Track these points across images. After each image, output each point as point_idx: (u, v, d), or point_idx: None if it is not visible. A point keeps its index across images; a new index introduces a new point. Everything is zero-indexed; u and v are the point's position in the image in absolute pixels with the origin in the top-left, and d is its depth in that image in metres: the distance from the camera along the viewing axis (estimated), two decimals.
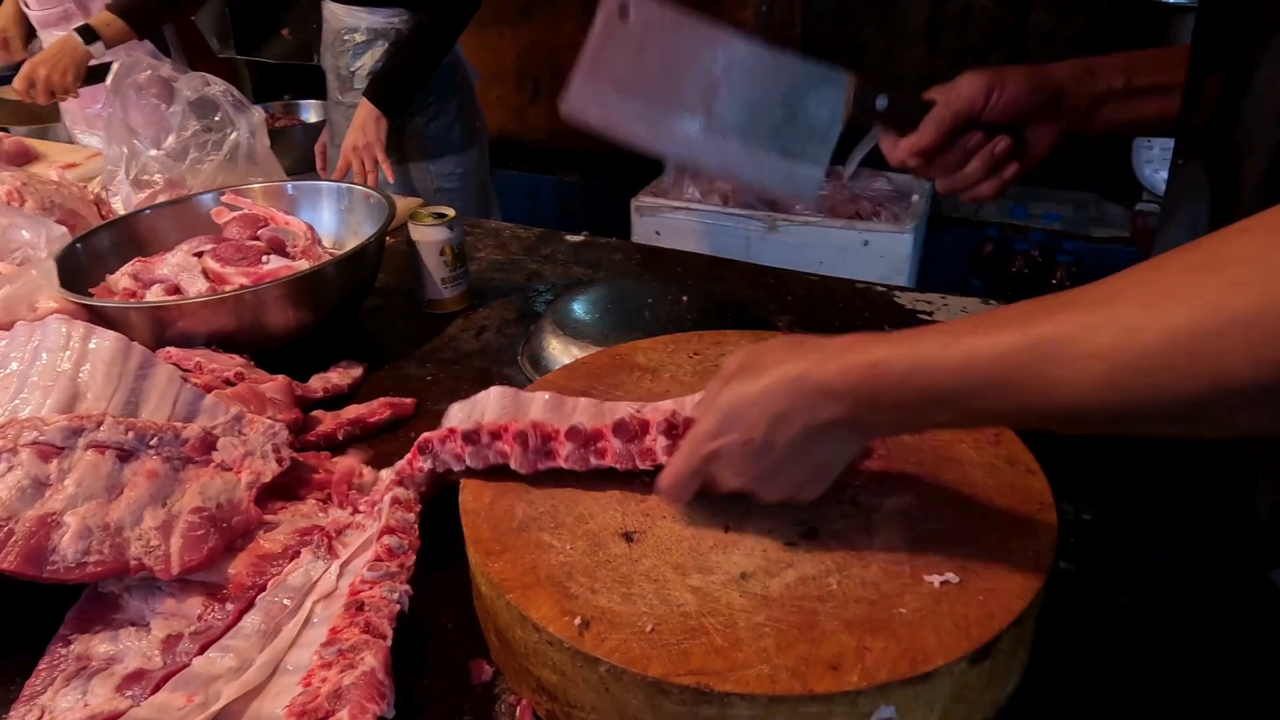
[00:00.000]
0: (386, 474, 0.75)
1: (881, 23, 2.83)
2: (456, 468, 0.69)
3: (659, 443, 0.65)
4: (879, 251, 2.01)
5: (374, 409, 0.93)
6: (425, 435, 0.70)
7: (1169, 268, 0.44)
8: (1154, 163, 2.37)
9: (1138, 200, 2.43)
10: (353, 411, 0.93)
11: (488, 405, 0.71)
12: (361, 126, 1.69)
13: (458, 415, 0.71)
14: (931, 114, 0.78)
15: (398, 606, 0.58)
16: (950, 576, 0.57)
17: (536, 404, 0.71)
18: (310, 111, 2.56)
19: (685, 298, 1.03)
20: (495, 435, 0.68)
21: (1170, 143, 0.74)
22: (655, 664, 0.51)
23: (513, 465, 0.67)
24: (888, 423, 0.54)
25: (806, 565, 0.59)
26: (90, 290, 1.02)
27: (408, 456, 0.72)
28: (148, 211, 1.15)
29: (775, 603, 0.55)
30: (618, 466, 0.66)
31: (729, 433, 0.56)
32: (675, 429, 0.65)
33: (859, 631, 0.53)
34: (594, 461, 0.67)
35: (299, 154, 2.19)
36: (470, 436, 0.68)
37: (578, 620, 0.54)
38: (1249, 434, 0.46)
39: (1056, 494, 0.65)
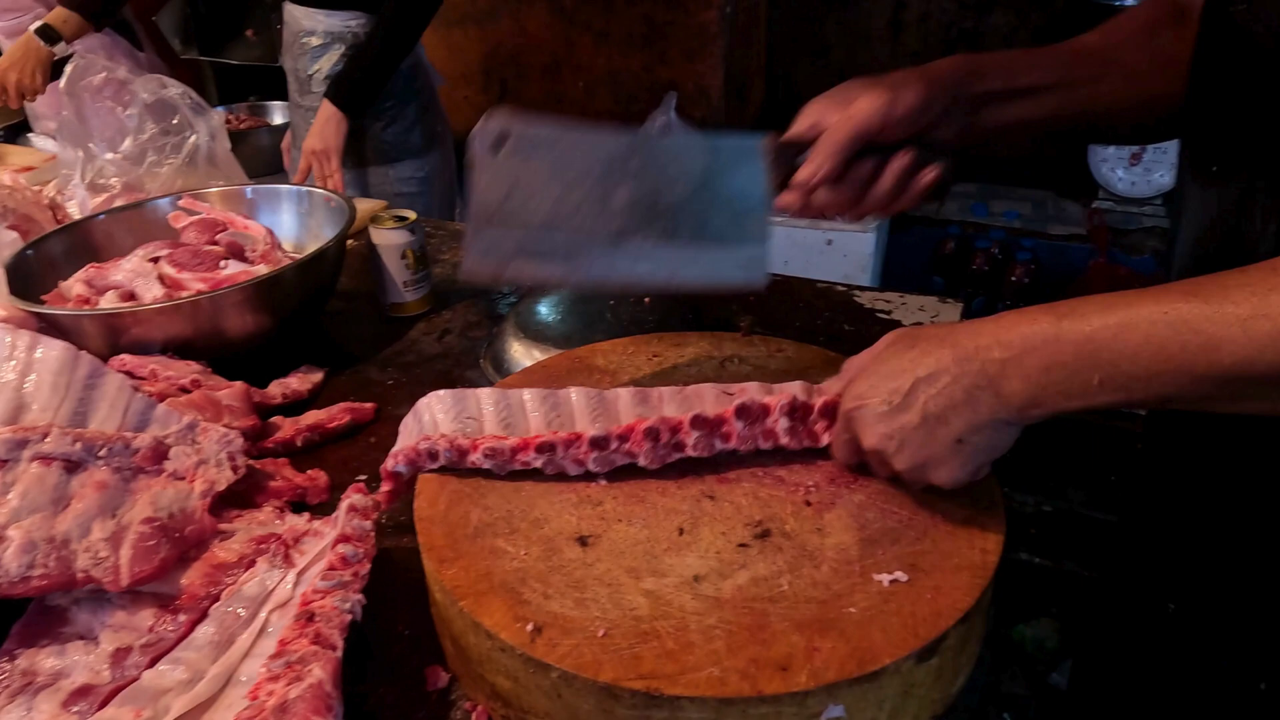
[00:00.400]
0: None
1: (844, 23, 2.85)
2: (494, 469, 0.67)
3: (780, 424, 0.66)
4: (842, 251, 2.02)
5: (334, 414, 0.92)
6: (547, 440, 0.66)
7: None
8: (1109, 161, 2.40)
9: (1094, 198, 2.46)
10: (312, 417, 0.91)
11: (481, 411, 0.70)
12: (321, 131, 1.67)
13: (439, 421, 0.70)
14: (826, 138, 0.68)
15: (349, 616, 0.58)
16: (899, 575, 0.57)
17: (599, 400, 0.70)
18: (276, 113, 2.52)
19: (647, 299, 1.03)
20: (623, 438, 0.66)
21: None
22: (606, 669, 0.51)
23: (642, 462, 0.66)
24: (1035, 389, 0.51)
25: (759, 566, 0.59)
26: (42, 298, 1.00)
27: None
28: (102, 216, 1.12)
29: (727, 604, 0.55)
30: (740, 449, 0.67)
31: (874, 392, 0.57)
32: (796, 411, 0.66)
33: (808, 632, 0.53)
34: (719, 446, 0.66)
35: (266, 156, 2.16)
36: (599, 442, 0.65)
37: (530, 626, 0.54)
38: None
39: (1024, 487, 0.65)
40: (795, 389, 0.67)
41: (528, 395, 0.70)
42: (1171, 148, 2.33)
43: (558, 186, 0.66)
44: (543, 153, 0.66)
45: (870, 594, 0.56)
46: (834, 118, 0.68)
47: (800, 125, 0.71)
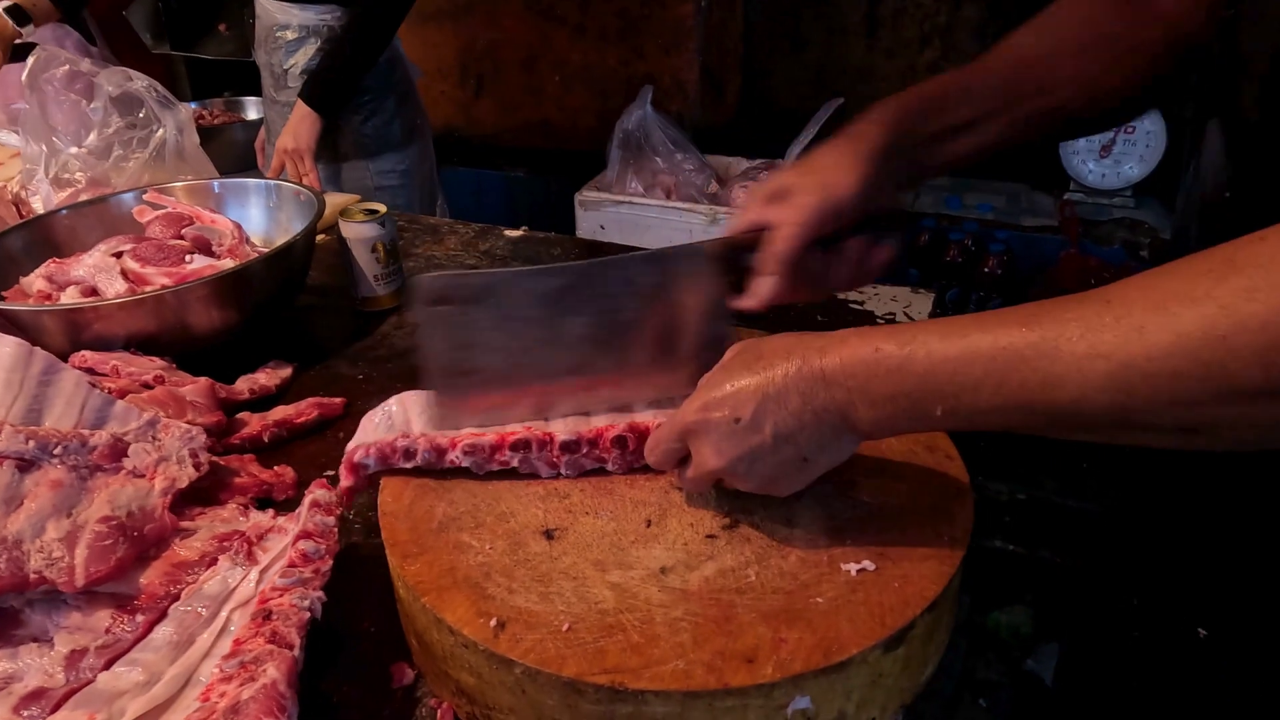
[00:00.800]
0: None
1: (821, 17, 2.84)
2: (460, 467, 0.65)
3: None
4: None
5: (301, 410, 0.90)
6: (522, 437, 0.64)
7: (1179, 273, 0.42)
8: (1080, 154, 2.41)
9: (1065, 190, 2.47)
10: (279, 413, 0.89)
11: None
12: (294, 130, 1.64)
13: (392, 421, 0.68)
14: (768, 254, 0.65)
15: (308, 615, 0.56)
16: (867, 564, 0.56)
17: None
18: (251, 108, 2.47)
19: None
20: (593, 443, 0.64)
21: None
22: (570, 664, 0.49)
23: (610, 468, 0.65)
24: (881, 415, 0.51)
25: (726, 557, 0.57)
26: (2, 294, 0.97)
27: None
28: (65, 212, 1.09)
29: (694, 596, 0.54)
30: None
31: (720, 408, 0.55)
32: None
33: (775, 623, 0.52)
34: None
35: (240, 151, 2.11)
36: (569, 446, 0.64)
37: (493, 622, 0.52)
38: (1253, 447, 0.43)
39: (997, 475, 0.64)
40: None
41: None
42: (1141, 141, 2.34)
43: (506, 333, 0.64)
44: (486, 301, 0.63)
45: (838, 584, 0.55)
46: (773, 216, 0.66)
47: (740, 224, 0.69)
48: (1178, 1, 0.68)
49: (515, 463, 0.65)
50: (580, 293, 0.65)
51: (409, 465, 0.66)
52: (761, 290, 0.67)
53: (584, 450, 0.64)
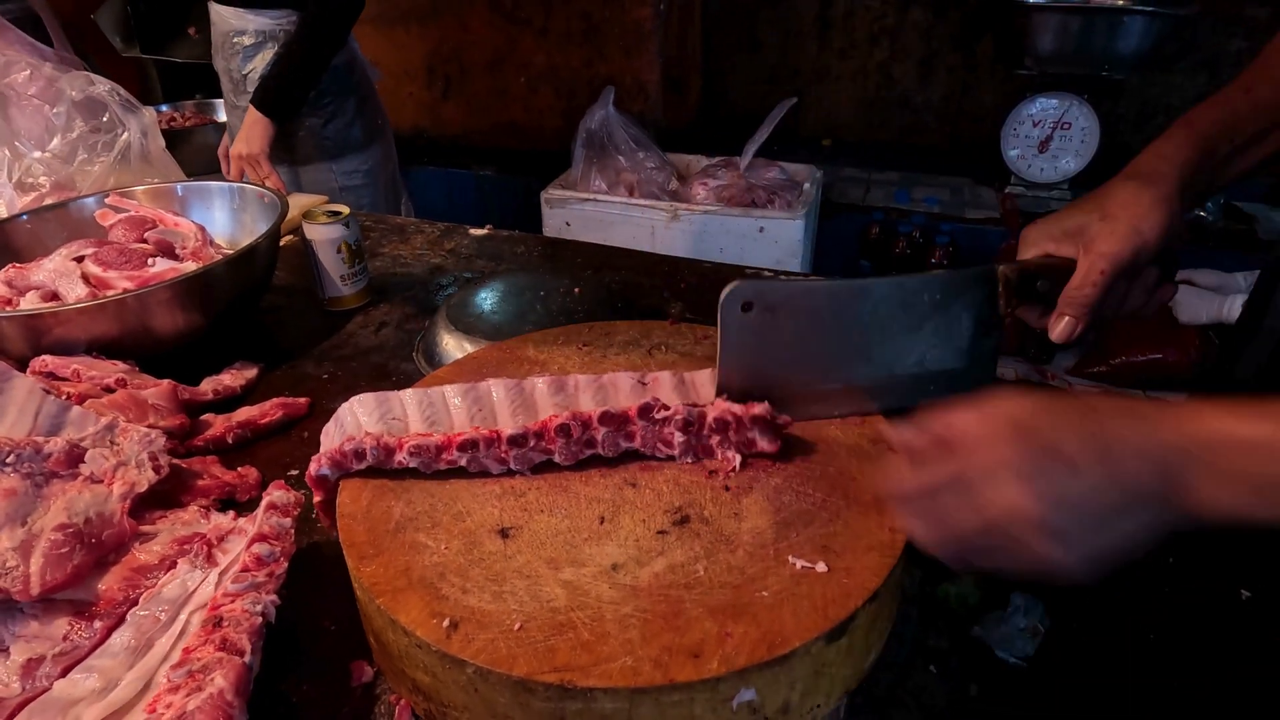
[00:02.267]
0: None
1: (775, 20, 2.82)
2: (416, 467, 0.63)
3: (676, 438, 0.63)
4: (774, 237, 2.00)
5: (266, 410, 0.87)
6: (469, 437, 0.62)
7: None
8: (1020, 150, 2.43)
9: (1006, 184, 2.49)
10: (244, 414, 0.86)
11: (405, 410, 0.66)
12: (247, 135, 1.59)
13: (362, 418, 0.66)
14: (1074, 295, 0.66)
15: (260, 619, 0.54)
16: (812, 558, 0.55)
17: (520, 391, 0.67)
18: (221, 111, 2.40)
19: (577, 289, 0.99)
20: (539, 435, 0.63)
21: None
22: (521, 663, 0.48)
23: (558, 459, 0.63)
24: (1213, 498, 0.44)
25: (676, 553, 0.56)
26: None
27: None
28: (25, 217, 1.05)
29: (644, 592, 0.53)
30: (643, 450, 0.64)
31: (1035, 464, 0.46)
32: (692, 425, 0.63)
33: (721, 617, 0.51)
34: (623, 445, 0.64)
35: (211, 153, 2.05)
36: (517, 440, 0.62)
37: (446, 622, 0.51)
38: None
39: None
40: (704, 378, 0.65)
41: (450, 391, 0.67)
42: (1077, 136, 2.36)
43: (799, 337, 0.67)
44: (783, 310, 0.66)
45: (783, 577, 0.54)
46: (1066, 250, 0.67)
47: (1029, 253, 0.69)
48: None
49: (463, 462, 0.63)
50: (862, 305, 0.67)
51: (362, 466, 0.64)
52: (1062, 330, 0.67)
53: (531, 444, 0.63)
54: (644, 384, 0.66)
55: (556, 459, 0.63)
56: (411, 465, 0.63)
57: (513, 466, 0.63)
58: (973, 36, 2.65)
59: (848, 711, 0.60)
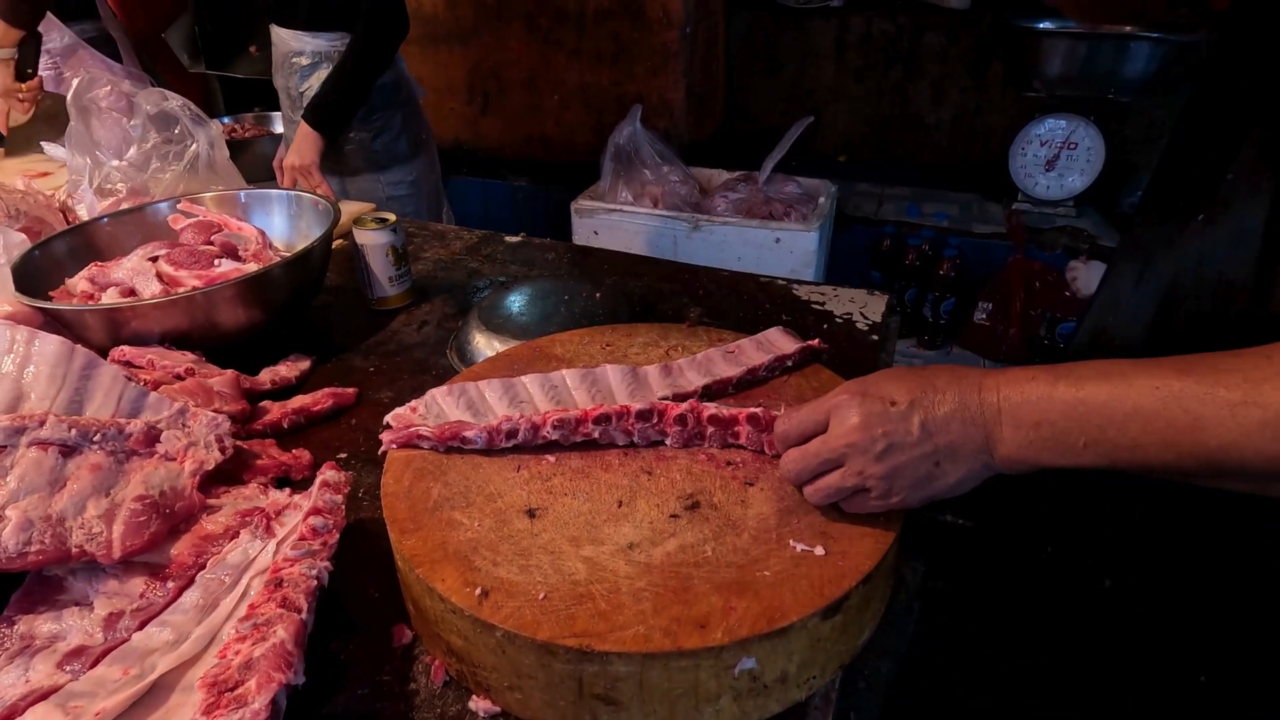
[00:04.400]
0: None
1: (795, 42, 2.84)
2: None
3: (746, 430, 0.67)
4: (789, 248, 2.02)
5: (318, 399, 0.91)
6: (603, 412, 0.67)
7: None
8: (1027, 167, 2.42)
9: (1014, 200, 2.48)
10: (298, 401, 0.90)
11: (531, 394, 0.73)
12: (299, 148, 1.64)
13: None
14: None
15: (315, 582, 0.57)
16: (810, 542, 0.57)
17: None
18: (278, 123, 2.46)
19: (599, 294, 1.02)
20: (661, 414, 0.68)
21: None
22: (544, 628, 0.51)
23: (669, 443, 0.68)
24: (1024, 439, 0.49)
25: (687, 534, 0.59)
26: (50, 294, 0.98)
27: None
28: (106, 219, 1.10)
29: (656, 569, 0.55)
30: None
31: (878, 392, 0.53)
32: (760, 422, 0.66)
33: (726, 593, 0.53)
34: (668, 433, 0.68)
35: (269, 162, 2.11)
36: (644, 415, 0.67)
37: (478, 591, 0.54)
38: None
39: None
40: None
41: (568, 374, 0.75)
42: (1083, 155, 2.35)
43: None
44: None
45: (784, 558, 0.56)
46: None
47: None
48: None
49: (596, 434, 0.67)
50: None
51: (508, 444, 0.68)
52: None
53: (654, 422, 0.67)
54: (731, 353, 0.75)
55: (668, 442, 0.68)
56: (553, 438, 0.67)
57: (635, 440, 0.68)
58: (984, 60, 2.64)
59: (843, 684, 0.62)
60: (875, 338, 1.06)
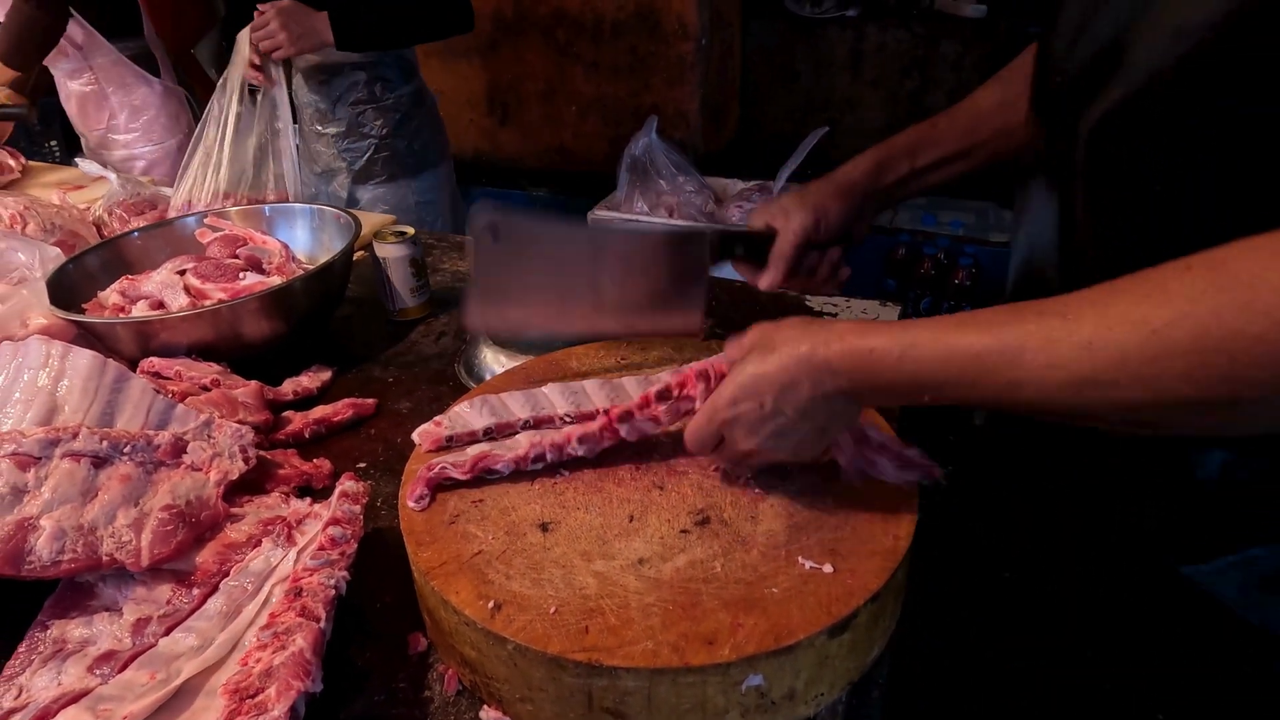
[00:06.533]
0: None
1: (810, 53, 2.84)
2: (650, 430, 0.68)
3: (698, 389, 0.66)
4: None
5: (339, 409, 0.92)
6: (626, 409, 0.67)
7: (1125, 293, 0.45)
8: None
9: None
10: (319, 412, 0.92)
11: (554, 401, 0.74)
12: (300, 30, 1.42)
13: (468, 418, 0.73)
14: (776, 252, 0.83)
15: (333, 591, 0.58)
16: (819, 559, 0.57)
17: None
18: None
19: None
20: (681, 386, 0.66)
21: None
22: (555, 642, 0.51)
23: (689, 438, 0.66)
24: (879, 398, 0.57)
25: (697, 550, 0.59)
26: (83, 306, 1.00)
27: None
28: (136, 234, 1.12)
29: (666, 585, 0.56)
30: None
31: (745, 400, 0.58)
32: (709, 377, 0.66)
33: (735, 610, 0.53)
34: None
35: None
36: (663, 395, 0.67)
37: (491, 604, 0.54)
38: (1208, 434, 0.49)
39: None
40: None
41: (589, 383, 0.76)
42: None
43: (543, 269, 0.77)
44: (529, 242, 0.75)
45: (792, 576, 0.56)
46: (777, 224, 0.83)
47: (756, 222, 0.86)
48: None
49: (624, 432, 0.67)
50: (601, 248, 0.79)
51: (579, 452, 0.68)
52: (768, 277, 0.84)
53: (676, 394, 0.66)
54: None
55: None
56: (579, 454, 0.68)
57: (663, 421, 0.67)
58: (1000, 68, 2.62)
59: (849, 695, 0.62)
60: None
